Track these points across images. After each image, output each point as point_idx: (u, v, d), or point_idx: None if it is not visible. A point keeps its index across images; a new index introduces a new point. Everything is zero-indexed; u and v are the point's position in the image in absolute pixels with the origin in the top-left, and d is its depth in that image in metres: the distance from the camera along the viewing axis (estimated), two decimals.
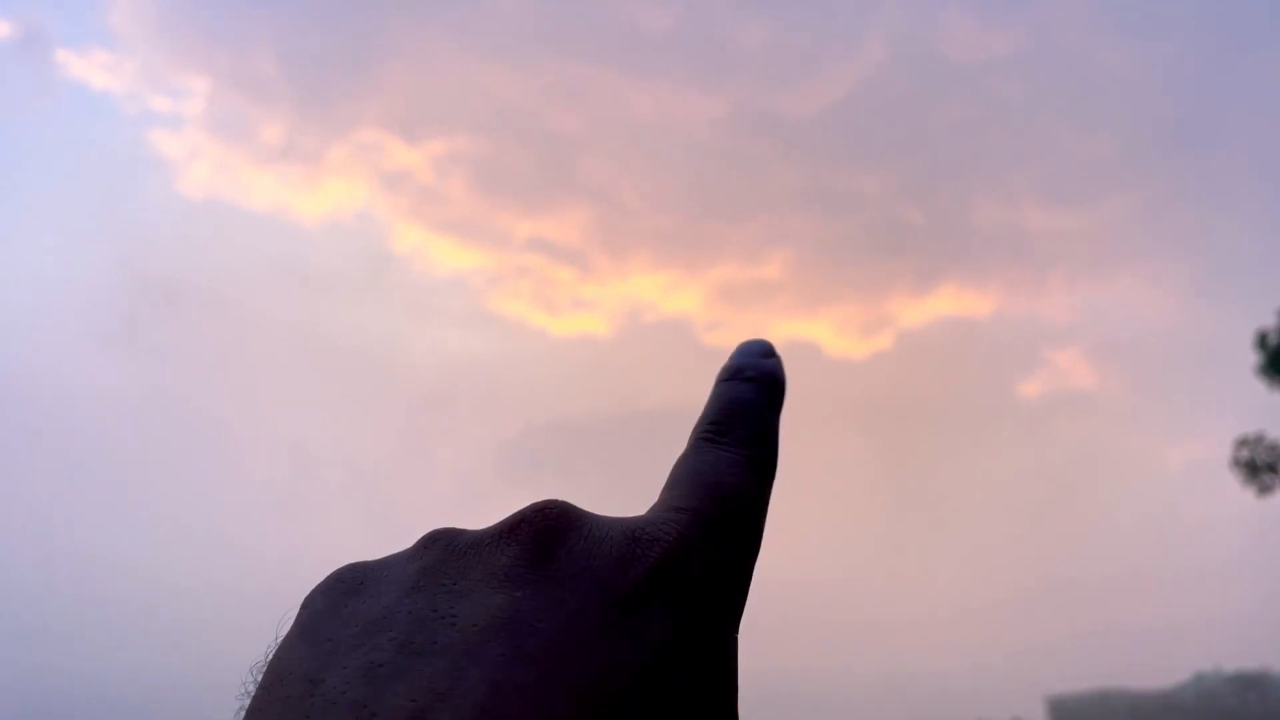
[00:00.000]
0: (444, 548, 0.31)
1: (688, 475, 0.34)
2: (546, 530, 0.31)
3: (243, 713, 0.30)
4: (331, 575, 0.32)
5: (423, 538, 0.32)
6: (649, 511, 0.33)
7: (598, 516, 0.32)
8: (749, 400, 0.37)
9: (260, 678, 0.30)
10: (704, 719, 0.29)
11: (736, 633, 0.32)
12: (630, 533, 0.31)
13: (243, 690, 0.31)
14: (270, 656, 0.31)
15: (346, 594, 0.31)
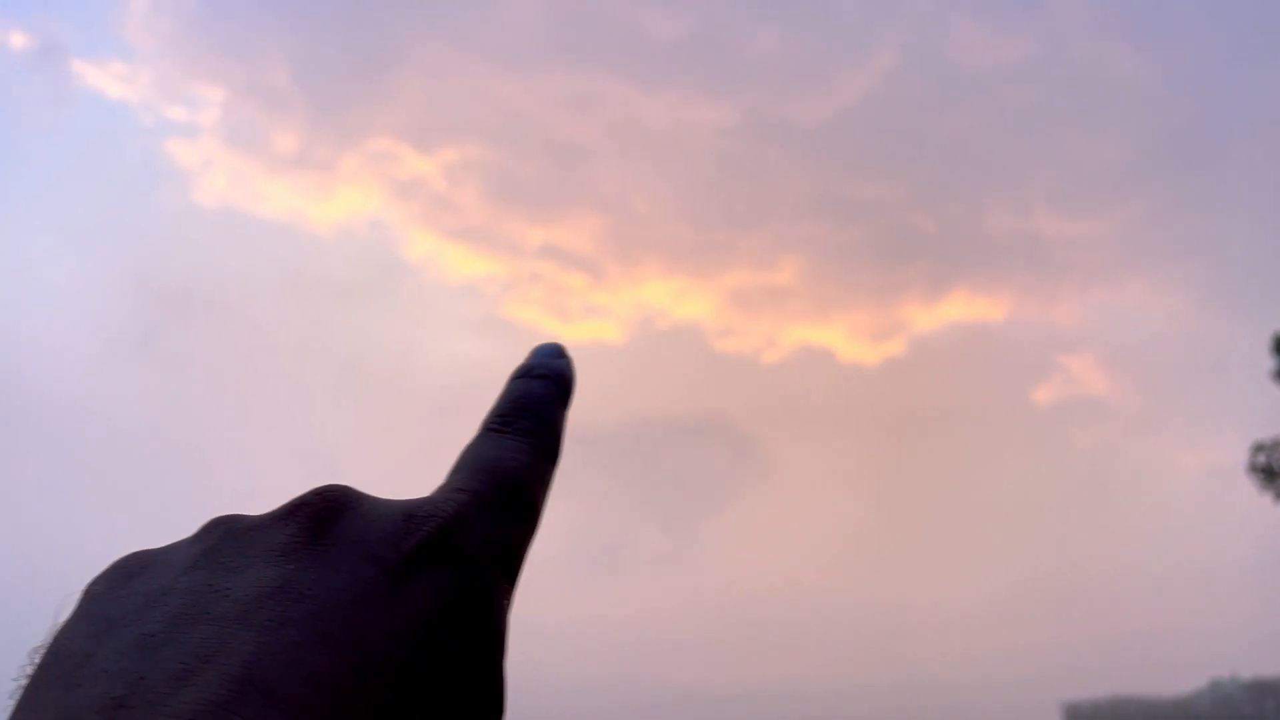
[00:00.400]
0: (225, 531, 0.32)
1: (470, 460, 0.36)
2: (323, 510, 0.32)
3: (19, 693, 0.30)
4: (113, 562, 0.33)
5: (205, 524, 0.33)
6: (432, 493, 0.34)
7: (380, 499, 0.33)
8: (535, 395, 0.39)
9: (38, 659, 0.31)
10: (469, 673, 0.30)
11: (509, 600, 0.33)
12: (407, 511, 0.33)
13: (20, 673, 0.31)
14: (49, 639, 0.31)
15: (126, 578, 0.32)
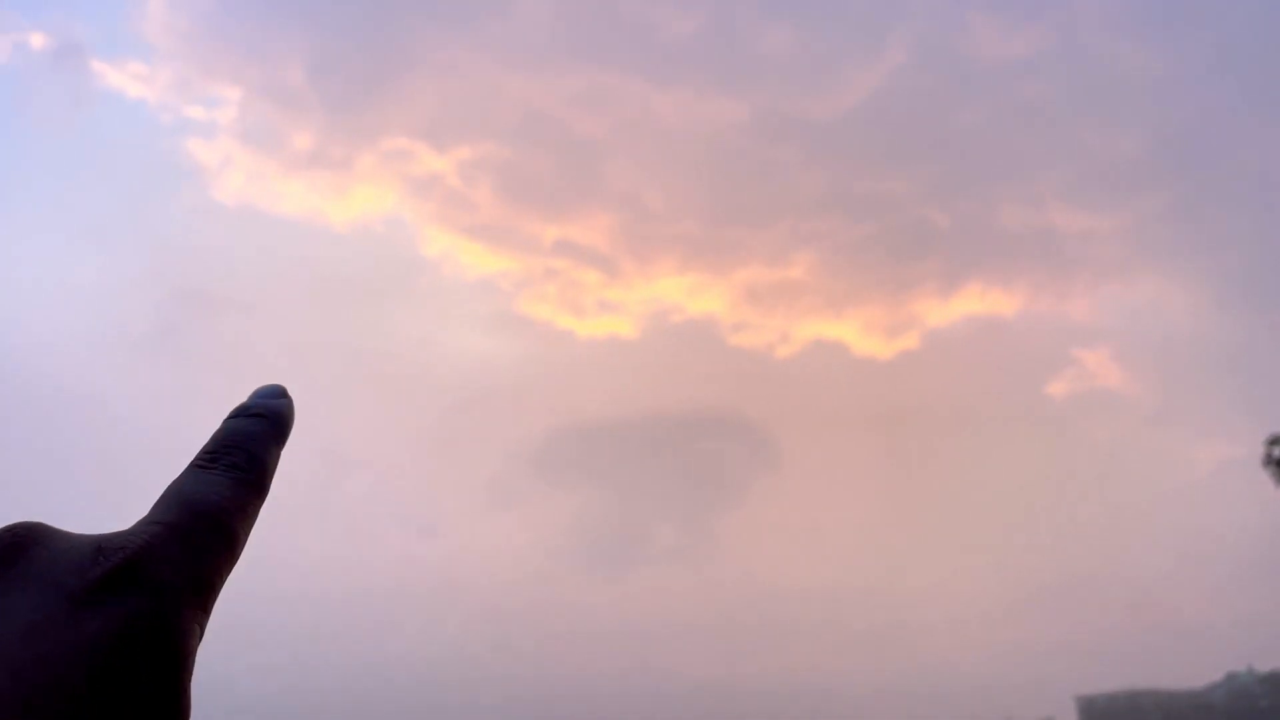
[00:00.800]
0: None
1: (171, 494, 0.37)
2: (11, 544, 0.33)
3: None
4: None
5: None
6: (130, 526, 0.35)
7: (73, 534, 0.34)
8: (245, 432, 0.40)
9: None
10: (148, 694, 0.31)
11: (201, 625, 0.34)
12: (97, 543, 0.34)
13: None
14: None
15: None
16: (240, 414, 0.41)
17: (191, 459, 0.39)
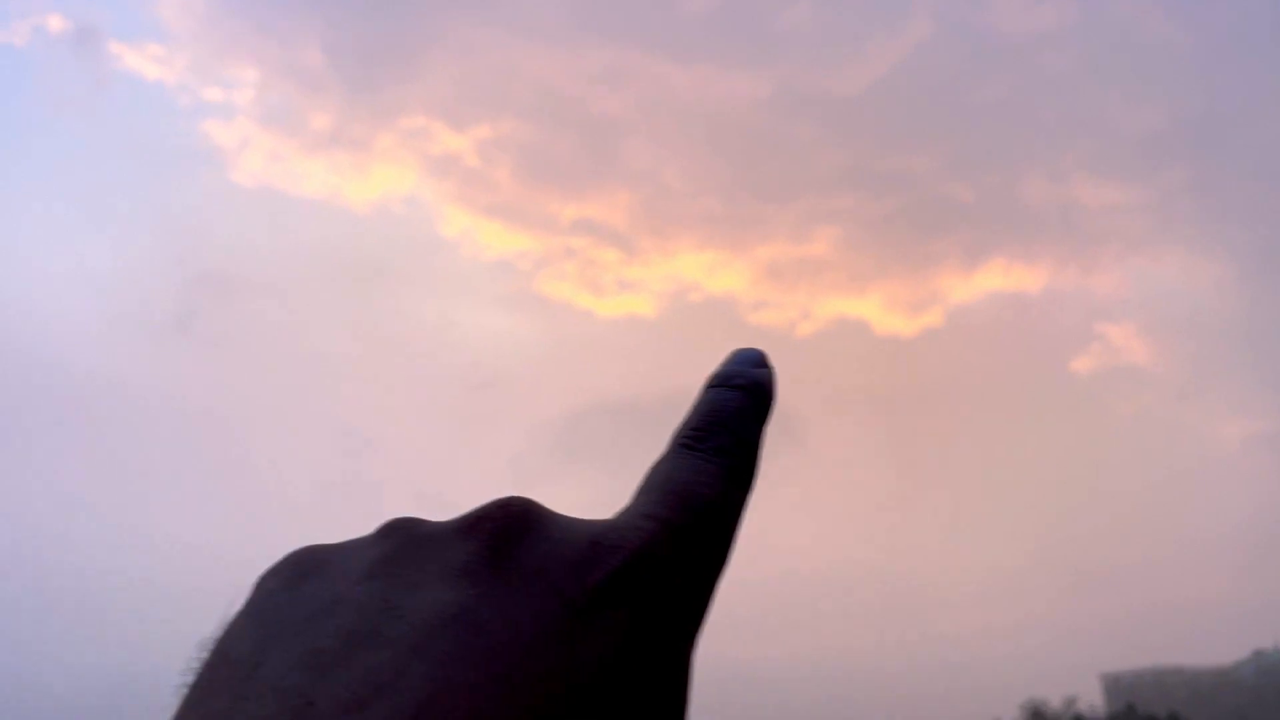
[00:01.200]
0: (404, 537, 0.31)
1: (661, 482, 0.33)
2: (506, 528, 0.30)
3: (186, 691, 0.29)
4: (288, 556, 0.32)
5: (383, 525, 0.32)
6: (618, 515, 0.32)
7: (563, 517, 0.32)
8: (734, 409, 0.36)
9: (206, 656, 0.30)
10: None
11: (692, 646, 0.31)
12: (593, 537, 0.31)
13: (188, 667, 0.30)
14: (218, 635, 0.30)
15: (300, 577, 0.31)
16: (722, 383, 0.37)
17: (674, 434, 0.35)
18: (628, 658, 0.28)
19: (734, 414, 0.35)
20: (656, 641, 0.29)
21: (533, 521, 0.31)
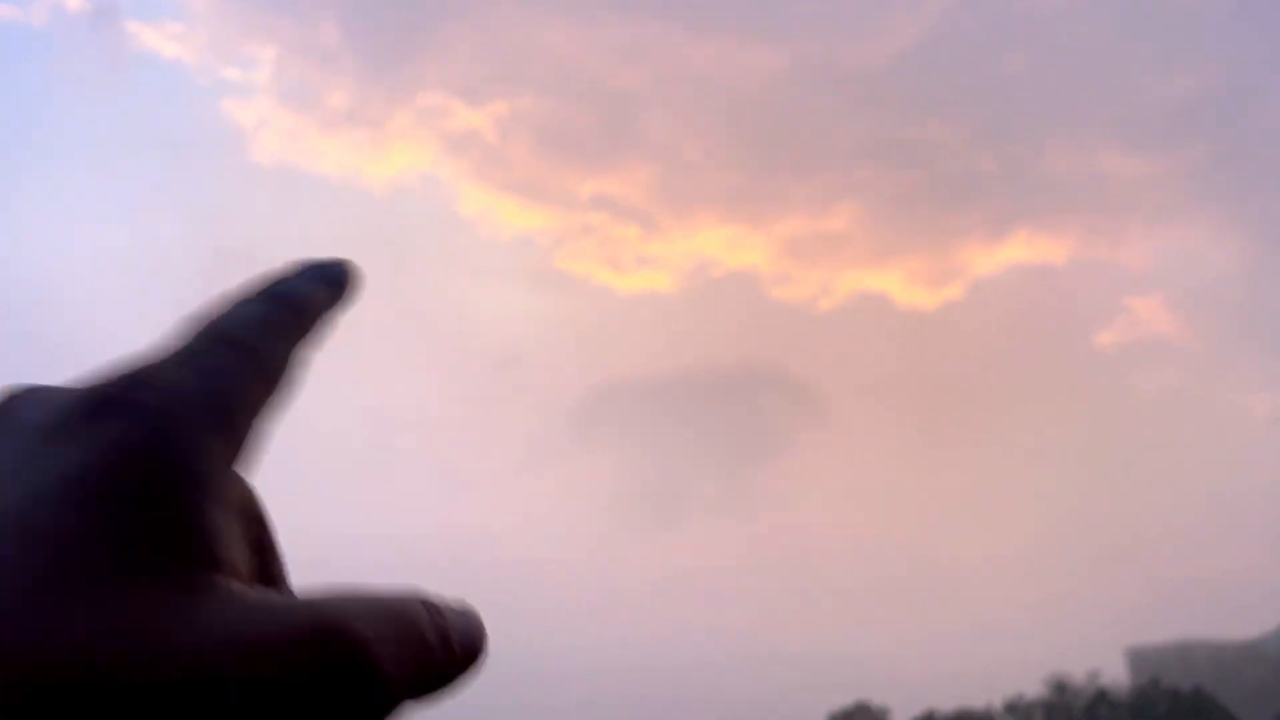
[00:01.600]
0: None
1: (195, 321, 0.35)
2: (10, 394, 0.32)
3: None
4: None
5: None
6: None
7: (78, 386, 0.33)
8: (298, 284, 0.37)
9: None
10: (152, 517, 0.29)
11: (219, 447, 0.31)
12: (94, 383, 0.32)
13: None
14: None
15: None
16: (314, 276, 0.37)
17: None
18: (113, 465, 0.29)
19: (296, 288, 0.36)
20: (147, 447, 0.30)
21: (30, 392, 0.33)
